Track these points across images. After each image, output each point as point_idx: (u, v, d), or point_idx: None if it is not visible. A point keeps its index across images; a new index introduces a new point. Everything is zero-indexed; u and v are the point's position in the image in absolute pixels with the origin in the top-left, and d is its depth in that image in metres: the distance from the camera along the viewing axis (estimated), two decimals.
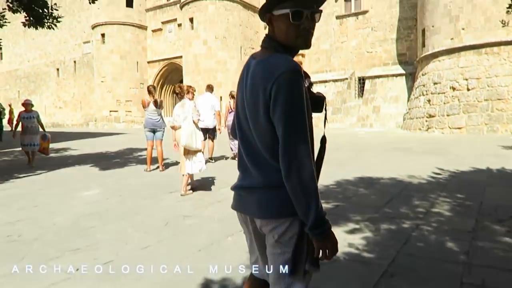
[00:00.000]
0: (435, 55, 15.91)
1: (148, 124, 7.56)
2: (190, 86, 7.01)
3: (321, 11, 1.31)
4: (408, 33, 20.79)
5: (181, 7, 24.65)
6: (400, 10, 21.04)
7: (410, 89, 19.14)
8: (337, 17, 23.05)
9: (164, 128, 7.78)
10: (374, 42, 21.84)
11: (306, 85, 1.23)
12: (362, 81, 21.90)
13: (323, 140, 1.38)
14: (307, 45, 1.30)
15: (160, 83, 29.87)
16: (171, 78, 29.84)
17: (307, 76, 1.27)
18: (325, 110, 1.42)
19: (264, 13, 1.32)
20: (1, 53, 46.93)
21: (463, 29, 14.91)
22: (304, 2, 1.24)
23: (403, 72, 19.91)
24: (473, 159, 7.68)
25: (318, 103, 1.39)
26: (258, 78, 1.23)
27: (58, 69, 39.03)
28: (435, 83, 15.58)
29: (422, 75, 16.68)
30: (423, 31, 16.88)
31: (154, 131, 7.62)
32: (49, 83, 40.12)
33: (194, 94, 6.81)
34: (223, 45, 23.23)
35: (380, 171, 6.52)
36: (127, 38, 28.37)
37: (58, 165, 8.52)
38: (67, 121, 37.89)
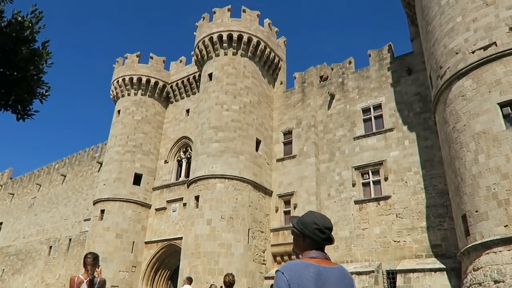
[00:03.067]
0: (487, 246, 12.85)
1: None
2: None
3: None
4: (440, 222, 18.18)
5: (188, 185, 23.27)
6: (427, 196, 19.01)
7: None
8: (356, 202, 21.02)
9: None
10: (401, 230, 19.08)
11: None
12: (391, 275, 18.18)
13: None
14: None
15: (156, 266, 26.23)
16: (168, 262, 26.32)
17: None
18: None
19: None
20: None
21: None
22: None
23: (443, 266, 16.40)
24: None
25: None
26: (348, 283, 2.40)
27: (51, 247, 36.08)
28: (496, 281, 12.02)
29: (474, 270, 13.23)
30: (464, 217, 14.28)
31: None
32: (37, 261, 36.58)
33: None
34: (228, 226, 20.70)
35: None
36: (127, 215, 26.32)
37: None
38: None
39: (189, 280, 8.75)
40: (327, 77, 26.24)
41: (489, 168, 13.44)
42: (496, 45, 14.54)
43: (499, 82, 14.09)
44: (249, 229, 21.28)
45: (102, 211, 26.41)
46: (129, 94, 30.39)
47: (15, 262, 39.20)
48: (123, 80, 30.39)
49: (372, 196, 20.70)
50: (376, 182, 21.01)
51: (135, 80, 30.23)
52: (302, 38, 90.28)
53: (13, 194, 46.16)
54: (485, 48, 14.89)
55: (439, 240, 17.84)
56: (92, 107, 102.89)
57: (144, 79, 30.31)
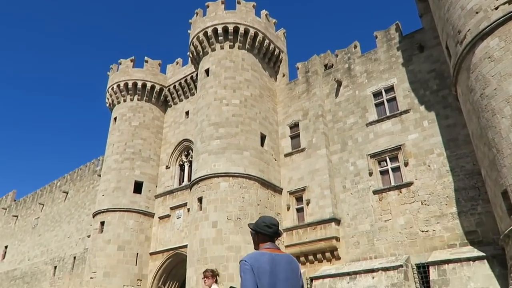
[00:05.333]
0: None
1: None
2: (207, 270, 7.07)
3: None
4: (472, 206, 16.19)
5: (191, 188, 21.57)
6: (454, 179, 17.06)
7: (502, 278, 13.24)
8: (375, 192, 19.12)
9: None
10: (429, 218, 17.10)
11: None
12: (422, 269, 16.17)
13: None
14: None
15: (163, 278, 24.39)
16: (176, 273, 24.47)
17: None
18: None
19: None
20: (5, 253, 43.55)
21: None
22: None
23: (482, 254, 14.39)
24: None
25: None
26: (294, 265, 3.29)
27: (55, 267, 34.42)
28: None
29: None
30: (505, 193, 12.35)
31: None
32: (43, 283, 34.94)
33: (216, 278, 6.77)
34: (236, 227, 18.89)
35: None
36: (129, 226, 24.60)
37: None
38: None
39: None
40: (332, 65, 24.58)
41: None
42: None
43: None
44: None
45: (102, 223, 24.74)
46: (125, 100, 28.98)
47: (21, 286, 37.61)
48: (118, 86, 29.02)
49: (392, 184, 18.80)
50: (395, 169, 19.13)
51: (130, 85, 28.84)
52: (302, 28, 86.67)
53: (17, 216, 44.81)
54: (509, 1, 13.15)
55: (474, 226, 15.83)
56: (92, 119, 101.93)
57: (139, 84, 28.90)
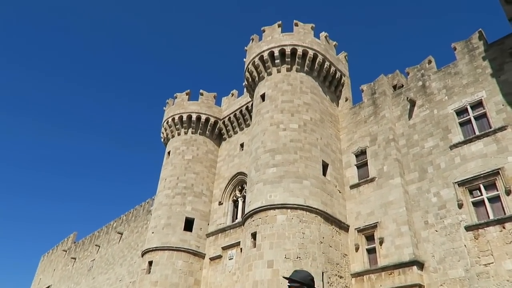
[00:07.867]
0: None
1: None
2: None
3: None
4: None
5: (244, 222, 19.09)
6: None
7: None
8: (468, 228, 15.33)
9: None
10: None
11: None
12: None
13: None
14: None
15: None
16: None
17: None
18: None
19: None
20: None
21: None
22: None
23: None
24: None
25: None
26: None
27: None
28: None
29: None
30: None
31: None
32: None
33: None
34: (296, 268, 15.82)
35: None
36: (177, 267, 22.36)
37: None
38: None
39: None
40: (402, 85, 21.80)
41: None
42: None
43: None
44: (323, 273, 16.21)
45: (150, 263, 22.75)
46: (179, 134, 27.99)
47: None
48: (173, 119, 28.25)
49: (491, 217, 14.97)
50: (494, 199, 15.35)
51: (185, 118, 27.93)
52: (364, 51, 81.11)
53: (75, 259, 44.68)
54: None
55: None
56: (151, 158, 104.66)
57: (194, 116, 27.90)
